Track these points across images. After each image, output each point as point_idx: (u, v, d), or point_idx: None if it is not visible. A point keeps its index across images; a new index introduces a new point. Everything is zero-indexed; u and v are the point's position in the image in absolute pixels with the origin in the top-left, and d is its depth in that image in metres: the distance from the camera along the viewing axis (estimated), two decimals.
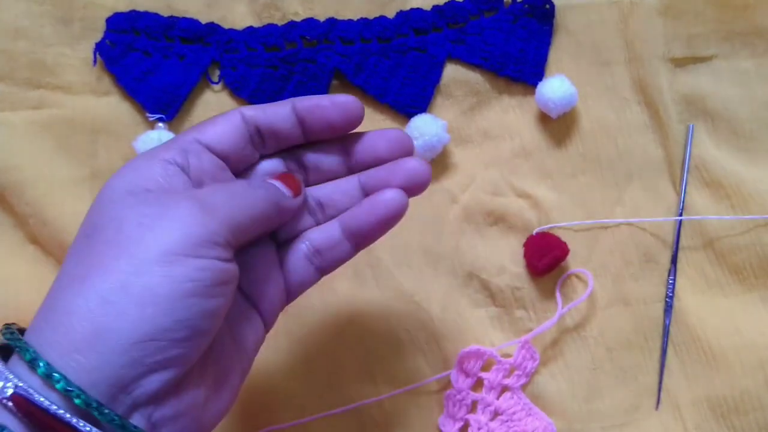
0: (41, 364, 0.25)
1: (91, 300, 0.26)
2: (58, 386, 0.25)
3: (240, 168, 0.35)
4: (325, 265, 0.36)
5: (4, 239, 0.48)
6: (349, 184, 0.37)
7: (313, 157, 0.37)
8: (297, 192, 0.35)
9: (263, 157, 0.36)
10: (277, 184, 0.34)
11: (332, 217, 0.37)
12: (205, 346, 0.29)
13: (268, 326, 0.35)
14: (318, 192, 0.37)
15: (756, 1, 0.49)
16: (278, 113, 0.35)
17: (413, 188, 0.35)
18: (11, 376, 0.25)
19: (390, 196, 0.35)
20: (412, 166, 0.35)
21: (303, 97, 0.35)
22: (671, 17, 0.49)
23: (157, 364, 0.26)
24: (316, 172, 0.37)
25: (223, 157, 0.34)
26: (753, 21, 0.49)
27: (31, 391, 0.25)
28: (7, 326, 0.28)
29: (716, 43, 0.50)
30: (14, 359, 0.27)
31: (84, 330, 0.26)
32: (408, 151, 0.36)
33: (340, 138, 0.36)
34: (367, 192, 0.36)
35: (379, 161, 0.36)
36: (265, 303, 0.35)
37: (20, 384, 0.25)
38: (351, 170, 0.37)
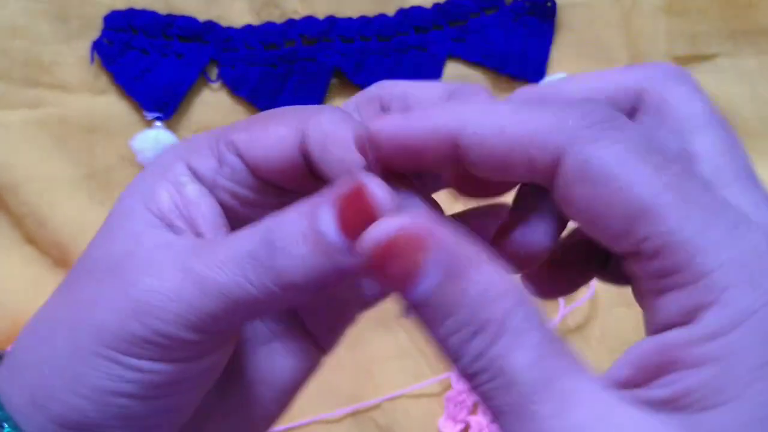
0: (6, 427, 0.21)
1: (35, 367, 0.22)
2: None
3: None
4: None
5: (0, 239, 0.47)
6: None
7: None
8: (352, 233, 0.19)
9: None
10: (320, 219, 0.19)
11: None
12: None
13: (326, 348, 0.28)
14: None
15: (760, 0, 0.49)
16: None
17: None
18: None
19: None
20: None
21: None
22: (674, 15, 0.49)
23: None
24: None
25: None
26: (757, 19, 0.49)
27: None
28: None
29: (719, 42, 0.49)
30: None
31: (25, 395, 0.22)
32: None
33: None
34: None
35: None
36: (322, 322, 0.27)
37: None
38: None
